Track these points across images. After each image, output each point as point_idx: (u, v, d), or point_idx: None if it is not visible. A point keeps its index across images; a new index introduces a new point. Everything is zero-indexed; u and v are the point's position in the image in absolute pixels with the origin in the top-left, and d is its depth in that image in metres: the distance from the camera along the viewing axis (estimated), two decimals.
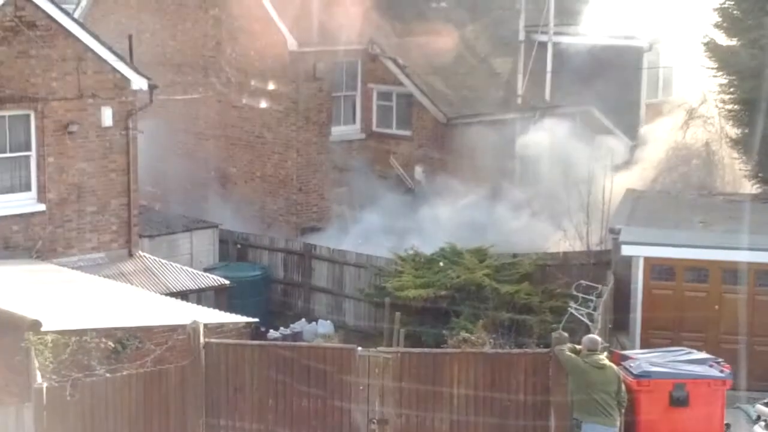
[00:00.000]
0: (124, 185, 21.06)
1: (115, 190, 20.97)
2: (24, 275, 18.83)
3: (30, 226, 19.99)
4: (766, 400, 18.23)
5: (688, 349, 17.32)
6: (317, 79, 27.28)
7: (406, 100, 27.83)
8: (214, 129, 28.44)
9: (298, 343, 20.83)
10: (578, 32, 30.27)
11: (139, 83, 21.16)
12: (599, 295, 19.94)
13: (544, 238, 24.32)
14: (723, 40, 26.54)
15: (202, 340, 15.03)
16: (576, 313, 19.60)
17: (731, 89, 26.25)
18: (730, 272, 20.79)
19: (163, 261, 21.83)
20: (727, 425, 16.50)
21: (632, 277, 20.95)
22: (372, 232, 25.48)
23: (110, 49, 21.07)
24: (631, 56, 29.19)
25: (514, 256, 22.75)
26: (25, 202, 20.04)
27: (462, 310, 21.14)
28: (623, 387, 15.34)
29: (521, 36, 29.20)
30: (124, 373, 14.76)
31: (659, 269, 21.01)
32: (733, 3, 26.18)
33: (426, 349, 17.53)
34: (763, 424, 17.37)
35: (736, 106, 26.29)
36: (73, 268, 19.88)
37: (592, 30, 30.66)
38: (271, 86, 27.05)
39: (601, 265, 21.88)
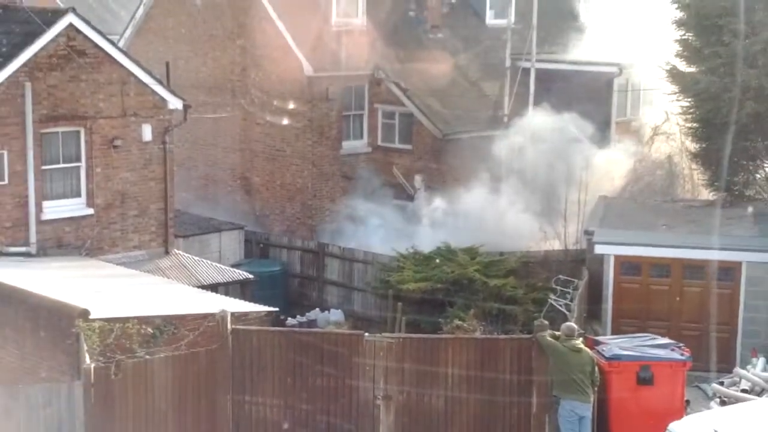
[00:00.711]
0: (161, 192, 21.03)
1: (154, 196, 20.94)
2: (74, 270, 18.84)
3: (80, 227, 19.98)
4: (721, 380, 18.24)
5: (653, 336, 17.33)
6: (330, 100, 27.25)
7: (407, 118, 27.78)
8: (240, 143, 28.44)
9: (313, 329, 20.86)
10: (557, 59, 30.29)
11: (175, 104, 21.16)
12: (575, 288, 19.95)
13: (528, 238, 24.25)
14: (683, 67, 26.55)
15: (229, 326, 15.04)
16: (555, 304, 19.59)
17: (691, 110, 26.26)
18: (690, 268, 20.80)
19: (196, 258, 21.81)
20: (687, 401, 16.47)
21: (604, 273, 20.95)
22: (377, 233, 25.41)
23: (150, 74, 21.08)
24: (604, 80, 29.16)
25: (501, 254, 22.72)
26: (75, 207, 20.02)
27: (456, 301, 21.15)
28: (596, 368, 15.35)
29: (507, 63, 29.13)
30: (162, 355, 14.74)
31: (628, 265, 21.01)
32: (692, 35, 26.18)
33: (424, 335, 17.48)
34: (717, 400, 17.35)
35: (695, 125, 26.29)
36: (117, 264, 19.88)
37: (569, 57, 30.71)
38: (289, 106, 27.03)
39: (577, 262, 21.87)
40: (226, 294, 19.80)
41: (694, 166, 27.47)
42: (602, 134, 28.97)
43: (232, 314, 15.36)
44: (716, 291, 20.52)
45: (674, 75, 26.73)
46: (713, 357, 19.67)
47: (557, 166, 25.98)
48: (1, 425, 13.95)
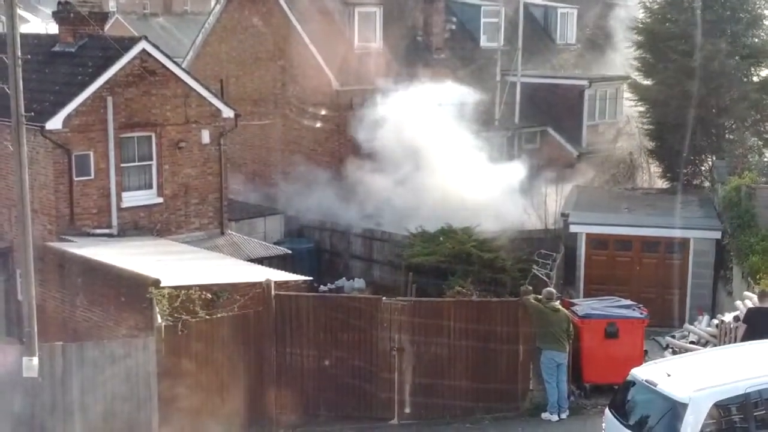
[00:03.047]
0: (217, 184, 20.95)
1: (211, 187, 20.87)
2: (148, 248, 18.87)
3: (152, 213, 19.97)
4: (673, 334, 18.18)
5: (618, 298, 17.28)
6: (353, 109, 27.16)
7: None
8: (281, 144, 28.40)
9: (341, 294, 20.86)
10: (538, 74, 30.16)
11: (227, 113, 21.06)
12: (554, 260, 19.90)
13: (516, 219, 24.11)
14: (641, 80, 26.47)
15: (273, 292, 15.08)
16: (538, 273, 19.53)
17: (647, 115, 26.19)
18: (647, 243, 20.78)
19: (245, 237, 21.77)
20: (646, 351, 16.45)
21: (577, 247, 20.96)
22: (395, 212, 25.04)
23: (207, 89, 21.04)
24: (576, 91, 29.03)
25: (494, 232, 22.57)
26: (148, 197, 19.96)
27: (456, 270, 21.01)
28: (571, 325, 15.31)
29: (498, 77, 28.99)
30: (218, 315, 14.77)
31: (596, 241, 21.00)
32: (648, 54, 26.12)
33: (430, 299, 17.45)
34: (670, 351, 17.30)
35: (650, 127, 26.22)
36: (182, 242, 19.88)
37: (548, 73, 30.55)
38: (320, 114, 26.97)
39: (555, 238, 21.78)
40: (270, 266, 19.75)
41: (650, 160, 27.38)
42: (575, 135, 28.89)
43: (275, 282, 15.37)
44: (669, 262, 20.49)
45: (633, 86, 26.68)
46: (667, 315, 19.63)
47: (539, 161, 25.90)
48: (90, 373, 14.01)
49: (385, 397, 15.23)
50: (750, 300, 15.54)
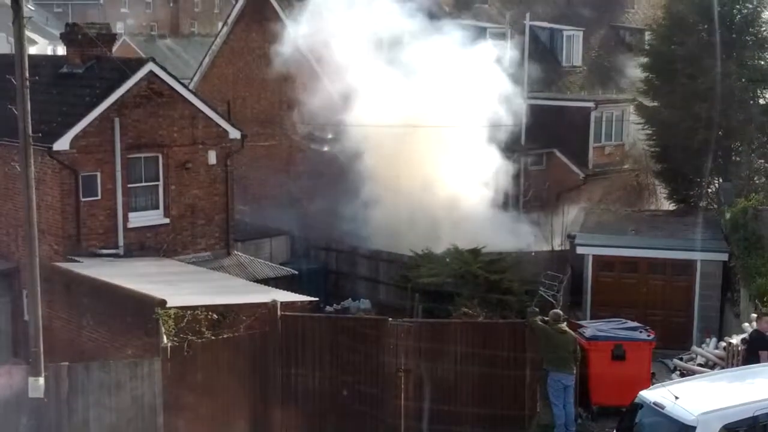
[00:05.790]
0: (224, 205, 20.96)
1: (218, 208, 20.88)
2: (154, 268, 18.86)
3: (158, 233, 19.97)
4: (680, 356, 18.09)
5: (624, 320, 17.21)
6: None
7: None
8: (286, 165, 28.43)
9: (346, 315, 20.80)
10: (545, 96, 30.21)
11: (234, 134, 21.12)
12: (561, 282, 19.84)
13: (522, 240, 24.10)
14: (648, 102, 26.52)
15: (279, 313, 15.04)
16: (544, 295, 19.49)
17: (654, 137, 26.20)
18: (654, 265, 20.71)
19: (251, 258, 21.75)
20: (653, 374, 16.36)
21: (584, 269, 20.90)
22: (403, 231, 25.00)
23: (214, 110, 21.10)
24: (582, 113, 29.07)
25: (500, 253, 22.56)
26: (155, 217, 19.99)
27: (462, 292, 20.93)
28: (578, 347, 15.25)
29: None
30: (225, 336, 14.76)
31: (603, 263, 20.96)
32: (654, 76, 26.19)
33: (437, 320, 17.40)
34: (678, 373, 17.21)
35: (657, 149, 26.22)
36: (188, 263, 19.89)
37: (554, 94, 30.60)
38: (326, 136, 26.98)
39: (562, 260, 21.75)
40: (276, 287, 19.70)
41: (657, 182, 27.37)
42: (582, 156, 28.90)
43: (281, 303, 15.34)
44: (676, 284, 20.43)
45: (640, 108, 26.73)
46: (674, 337, 19.53)
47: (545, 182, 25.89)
48: (96, 393, 13.99)
49: (391, 422, 15.14)
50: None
